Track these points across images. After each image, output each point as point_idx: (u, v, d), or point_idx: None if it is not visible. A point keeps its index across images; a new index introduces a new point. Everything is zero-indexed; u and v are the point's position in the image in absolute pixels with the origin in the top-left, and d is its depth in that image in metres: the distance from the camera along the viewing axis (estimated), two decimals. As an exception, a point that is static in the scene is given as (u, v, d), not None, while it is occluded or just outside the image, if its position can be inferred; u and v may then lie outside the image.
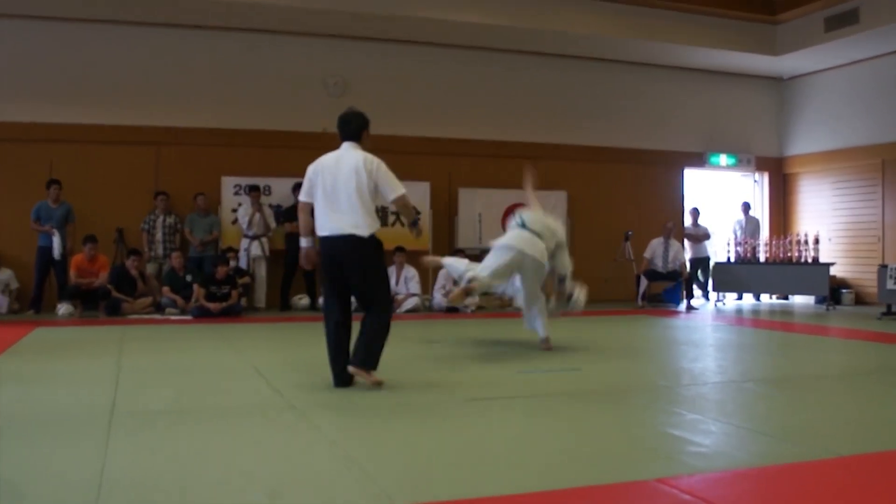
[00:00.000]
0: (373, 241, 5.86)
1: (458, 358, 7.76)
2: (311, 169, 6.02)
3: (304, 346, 8.79)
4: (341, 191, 5.80)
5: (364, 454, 4.01)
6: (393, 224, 13.94)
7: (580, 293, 8.71)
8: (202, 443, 4.30)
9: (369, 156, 5.95)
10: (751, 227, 16.16)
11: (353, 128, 6.05)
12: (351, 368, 5.81)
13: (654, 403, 5.42)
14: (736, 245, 15.13)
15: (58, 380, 6.26)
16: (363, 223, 5.78)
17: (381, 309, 6.01)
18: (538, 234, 8.00)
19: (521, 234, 8.01)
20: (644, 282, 14.20)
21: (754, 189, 17.50)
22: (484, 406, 5.29)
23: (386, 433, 4.58)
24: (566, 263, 8.52)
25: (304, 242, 6.26)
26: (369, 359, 5.85)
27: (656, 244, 14.31)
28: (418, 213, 12.21)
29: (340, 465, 3.84)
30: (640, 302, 14.16)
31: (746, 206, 16.45)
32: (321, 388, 5.94)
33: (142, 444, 4.26)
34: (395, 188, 5.93)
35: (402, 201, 6.02)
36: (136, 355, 7.63)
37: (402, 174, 13.68)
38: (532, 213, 8.42)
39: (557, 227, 8.60)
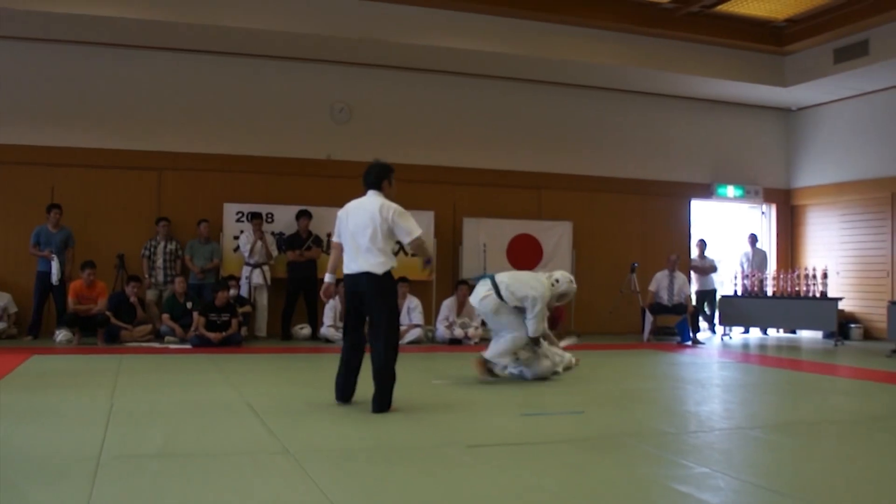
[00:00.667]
0: (387, 276, 6.60)
1: (460, 397, 7.60)
2: (340, 213, 6.89)
3: (304, 380, 8.70)
4: (360, 234, 6.57)
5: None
6: (396, 254, 13.76)
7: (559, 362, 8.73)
8: (190, 492, 4.13)
9: (386, 202, 6.69)
10: (758, 259, 16.02)
11: (373, 178, 6.86)
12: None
13: (660, 453, 5.24)
14: (743, 278, 14.97)
15: (49, 416, 6.09)
16: (377, 262, 6.52)
17: (388, 335, 6.65)
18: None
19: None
20: (650, 317, 14.00)
21: (762, 221, 17.36)
22: (484, 454, 5.12)
23: (382, 483, 4.41)
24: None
25: (327, 277, 7.07)
26: (383, 403, 6.50)
27: (661, 277, 14.15)
28: (405, 279, 12.56)
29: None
30: (646, 338, 13.94)
31: (753, 238, 16.31)
32: (318, 429, 5.82)
33: (128, 491, 4.10)
34: (410, 231, 6.65)
35: (416, 243, 6.75)
36: (131, 390, 7.47)
37: (406, 203, 13.58)
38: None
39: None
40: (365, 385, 6.66)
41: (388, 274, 6.58)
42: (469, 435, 5.71)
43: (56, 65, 13.03)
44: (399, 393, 6.70)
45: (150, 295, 12.79)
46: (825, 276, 14.08)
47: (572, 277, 8.87)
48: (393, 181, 6.99)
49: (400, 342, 12.21)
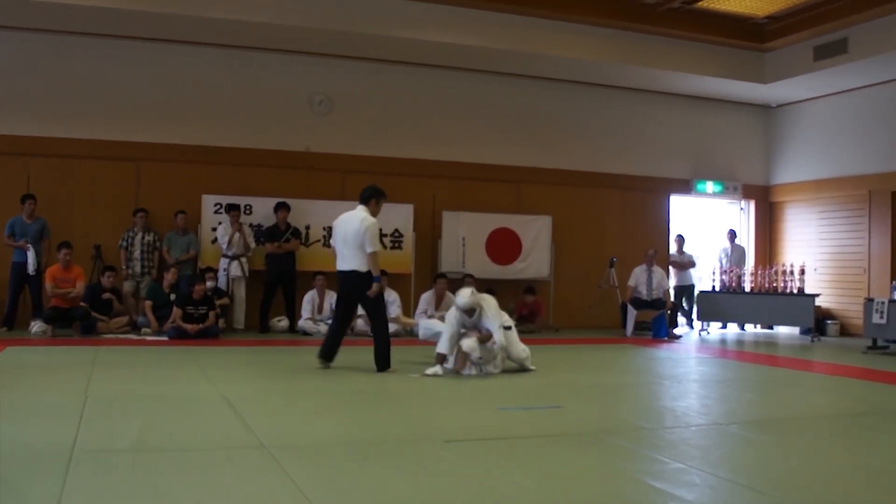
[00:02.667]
0: (369, 274, 8.43)
1: (437, 390, 7.59)
2: (335, 222, 8.77)
3: (280, 373, 8.63)
4: (349, 240, 8.45)
5: (331, 507, 3.82)
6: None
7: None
8: (163, 487, 4.08)
9: (367, 218, 8.45)
10: (736, 255, 16.07)
11: (365, 196, 8.64)
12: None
13: (635, 448, 5.24)
14: (721, 273, 15.02)
15: (22, 411, 6.01)
16: (361, 263, 8.43)
17: (377, 317, 8.73)
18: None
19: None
20: (633, 312, 13.98)
21: (740, 217, 17.42)
22: (460, 449, 5.10)
23: (358, 479, 4.37)
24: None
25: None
26: (383, 362, 8.55)
27: (639, 272, 14.17)
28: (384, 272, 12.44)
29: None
30: (629, 333, 13.93)
31: (732, 234, 16.37)
32: (293, 423, 5.82)
33: (100, 487, 4.05)
34: (372, 244, 8.39)
35: (371, 257, 8.40)
36: (106, 383, 7.41)
37: (386, 196, 13.63)
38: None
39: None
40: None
41: (369, 272, 8.43)
42: (446, 430, 5.70)
43: (31, 53, 12.86)
44: (376, 385, 7.03)
45: (128, 286, 12.69)
46: (802, 272, 14.15)
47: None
48: (381, 202, 8.73)
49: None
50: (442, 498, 4.10)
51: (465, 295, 8.61)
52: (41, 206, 12.22)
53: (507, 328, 8.85)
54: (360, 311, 12.90)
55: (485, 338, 8.49)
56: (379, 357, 8.51)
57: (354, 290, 8.59)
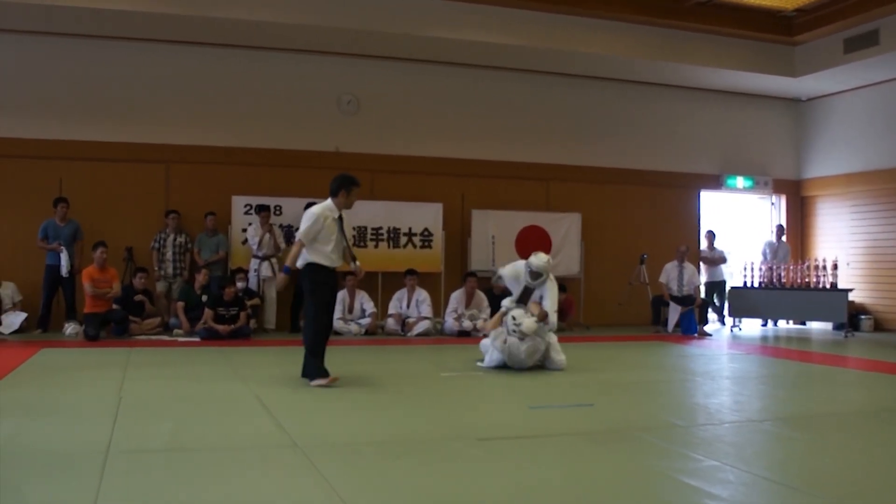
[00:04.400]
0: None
1: (468, 390, 7.59)
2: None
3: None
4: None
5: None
6: (405, 246, 13.79)
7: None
8: (197, 487, 4.12)
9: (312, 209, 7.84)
10: (782, 251, 15.86)
11: (332, 188, 7.93)
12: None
13: (668, 446, 5.21)
14: (763, 268, 14.78)
15: (57, 412, 6.08)
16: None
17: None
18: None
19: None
20: (676, 308, 13.86)
21: (771, 212, 17.28)
22: (492, 447, 5.10)
23: (390, 477, 4.39)
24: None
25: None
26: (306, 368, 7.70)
27: (670, 268, 14.09)
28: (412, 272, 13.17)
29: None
30: (670, 329, 13.82)
31: (780, 230, 16.18)
32: (326, 422, 5.85)
33: (135, 487, 4.09)
34: (301, 232, 7.72)
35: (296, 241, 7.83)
36: (139, 383, 7.45)
37: (415, 195, 13.67)
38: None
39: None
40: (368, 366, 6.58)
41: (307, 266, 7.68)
42: (478, 428, 5.68)
43: (63, 58, 12.98)
44: (407, 385, 6.97)
45: (160, 287, 12.79)
46: (835, 267, 14.01)
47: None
48: (351, 192, 7.93)
49: (409, 334, 12.43)
50: (474, 496, 4.09)
51: (542, 258, 8.84)
52: (73, 209, 12.32)
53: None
54: (392, 309, 13.02)
55: (542, 315, 8.62)
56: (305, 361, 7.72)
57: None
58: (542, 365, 8.73)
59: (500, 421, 6.01)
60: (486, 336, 9.03)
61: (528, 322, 8.49)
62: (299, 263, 7.67)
